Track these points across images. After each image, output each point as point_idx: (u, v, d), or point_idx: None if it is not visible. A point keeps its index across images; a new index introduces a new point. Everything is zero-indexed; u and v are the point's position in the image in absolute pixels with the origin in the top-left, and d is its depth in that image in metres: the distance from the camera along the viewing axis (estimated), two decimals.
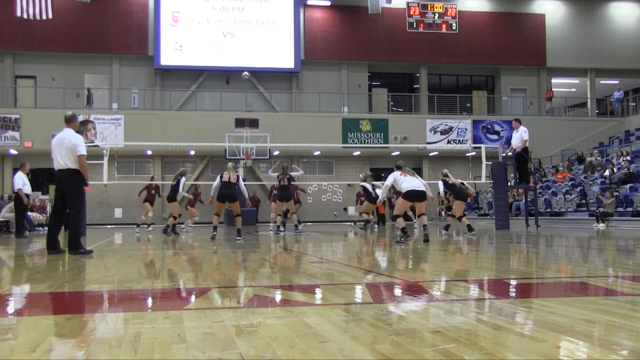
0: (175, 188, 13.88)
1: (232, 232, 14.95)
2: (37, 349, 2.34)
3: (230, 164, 11.64)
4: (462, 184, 12.73)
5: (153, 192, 16.86)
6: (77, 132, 7.83)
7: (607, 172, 18.88)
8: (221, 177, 11.22)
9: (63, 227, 8.36)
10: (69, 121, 7.82)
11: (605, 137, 27.80)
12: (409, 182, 9.29)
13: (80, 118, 21.72)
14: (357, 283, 4.56)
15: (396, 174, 9.48)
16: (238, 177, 11.31)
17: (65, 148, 7.54)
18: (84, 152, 7.63)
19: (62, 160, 7.56)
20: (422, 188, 9.31)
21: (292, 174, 14.77)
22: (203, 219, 18.05)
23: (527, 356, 2.12)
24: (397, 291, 4.13)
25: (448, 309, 3.20)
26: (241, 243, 10.35)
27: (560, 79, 31.53)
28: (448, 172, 12.39)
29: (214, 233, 11.38)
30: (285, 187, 14.18)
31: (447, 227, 12.99)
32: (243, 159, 21.72)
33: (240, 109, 26.14)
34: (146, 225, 17.32)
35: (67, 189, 7.62)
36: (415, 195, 9.23)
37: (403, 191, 9.30)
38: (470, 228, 11.66)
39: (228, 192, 11.10)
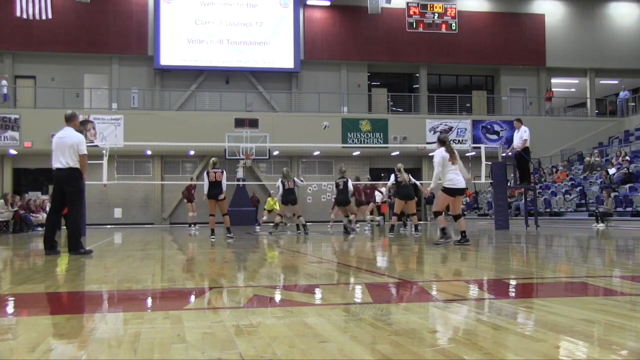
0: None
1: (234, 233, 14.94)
2: (37, 349, 2.34)
3: (212, 159, 11.67)
4: (414, 184, 13.07)
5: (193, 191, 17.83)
6: (77, 131, 7.83)
7: (613, 170, 18.86)
8: (208, 175, 11.36)
9: (62, 226, 8.35)
10: (69, 120, 7.79)
11: (604, 137, 27.81)
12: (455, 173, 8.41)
13: (80, 118, 21.81)
14: (357, 283, 4.56)
15: (443, 153, 8.31)
16: (223, 172, 11.48)
17: (68, 147, 7.53)
18: (86, 152, 7.65)
19: (63, 159, 7.53)
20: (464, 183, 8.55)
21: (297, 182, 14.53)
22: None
23: (527, 356, 2.12)
24: (397, 291, 4.13)
25: (448, 309, 3.20)
26: (232, 241, 10.72)
27: (559, 79, 31.54)
28: (401, 167, 12.44)
29: (213, 238, 11.34)
30: (292, 190, 13.92)
31: (392, 228, 12.78)
32: (243, 159, 21.72)
33: (240, 109, 26.14)
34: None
35: (67, 187, 7.59)
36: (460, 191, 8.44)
37: (445, 184, 8.35)
38: (392, 228, 12.39)
39: (216, 192, 11.34)
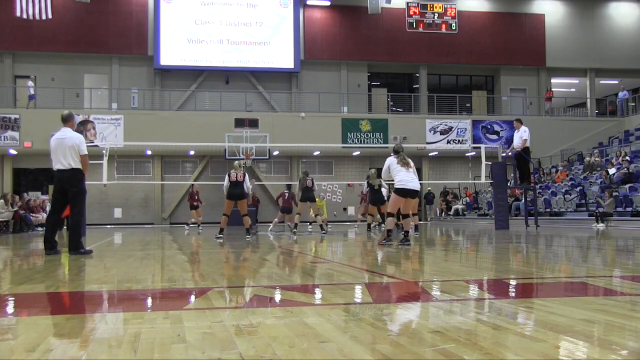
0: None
1: (231, 232, 14.96)
2: (37, 349, 2.34)
3: (236, 162, 11.87)
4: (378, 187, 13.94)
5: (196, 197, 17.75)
6: (75, 131, 7.83)
7: (613, 170, 18.85)
8: (229, 176, 11.46)
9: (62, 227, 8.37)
10: (66, 120, 7.76)
11: (604, 137, 27.82)
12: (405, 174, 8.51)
13: (80, 118, 21.80)
14: (357, 283, 4.56)
15: (392, 160, 8.68)
16: (244, 175, 11.57)
17: (68, 147, 7.52)
18: (87, 152, 7.66)
19: (64, 160, 7.52)
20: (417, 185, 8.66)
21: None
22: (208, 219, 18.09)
23: (527, 356, 2.12)
24: (397, 291, 4.13)
25: (448, 309, 3.20)
26: (251, 240, 10.85)
27: (559, 79, 31.54)
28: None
29: (221, 236, 11.27)
30: (309, 188, 14.20)
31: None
32: (243, 159, 21.71)
33: (240, 109, 26.13)
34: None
35: (69, 188, 7.60)
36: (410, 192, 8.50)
37: (396, 185, 8.55)
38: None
39: (238, 191, 11.38)
